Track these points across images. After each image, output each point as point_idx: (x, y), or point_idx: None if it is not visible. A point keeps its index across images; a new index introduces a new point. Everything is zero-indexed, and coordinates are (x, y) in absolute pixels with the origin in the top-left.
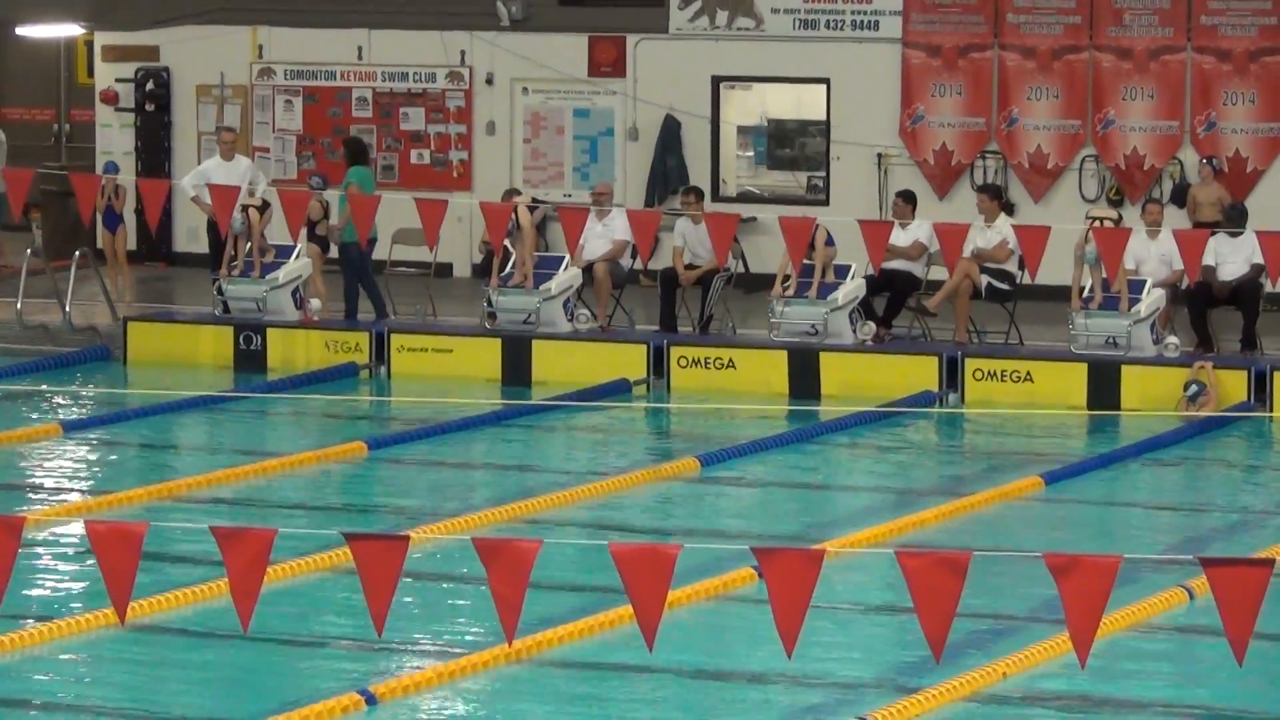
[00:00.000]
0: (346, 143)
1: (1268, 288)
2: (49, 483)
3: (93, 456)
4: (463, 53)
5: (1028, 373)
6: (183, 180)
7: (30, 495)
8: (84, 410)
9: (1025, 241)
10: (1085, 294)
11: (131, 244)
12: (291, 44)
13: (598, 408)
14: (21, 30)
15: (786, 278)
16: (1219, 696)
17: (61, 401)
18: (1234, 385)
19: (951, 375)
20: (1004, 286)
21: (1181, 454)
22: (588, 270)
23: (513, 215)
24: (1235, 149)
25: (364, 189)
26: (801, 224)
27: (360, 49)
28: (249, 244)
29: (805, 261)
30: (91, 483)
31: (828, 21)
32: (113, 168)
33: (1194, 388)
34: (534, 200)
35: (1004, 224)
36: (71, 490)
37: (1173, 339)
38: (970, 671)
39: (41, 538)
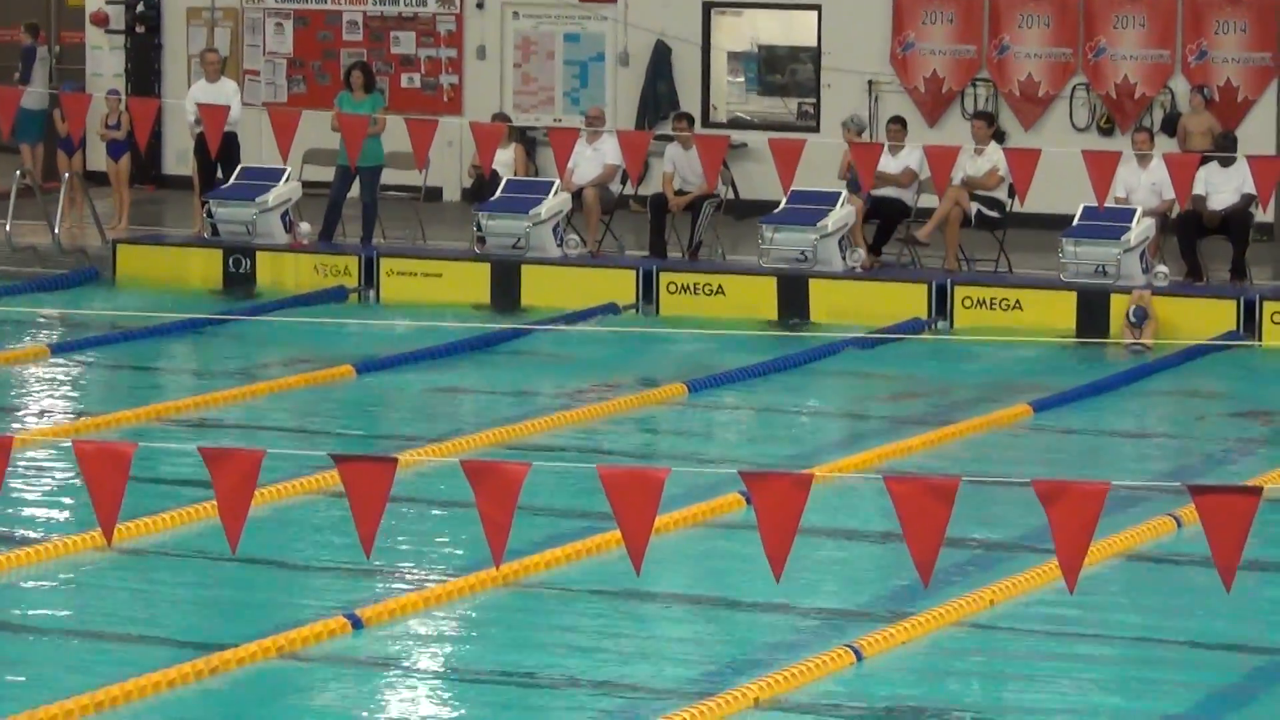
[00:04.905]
0: (363, 68)
1: (1258, 217)
2: (37, 404)
3: (81, 378)
4: None
5: (1017, 301)
6: (186, 112)
7: (18, 417)
8: (72, 332)
9: (1015, 167)
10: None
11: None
12: None
13: (586, 332)
14: None
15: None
16: (1206, 624)
17: (50, 324)
18: (1223, 315)
19: (941, 303)
20: (994, 214)
21: (1170, 383)
22: (577, 195)
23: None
24: (1226, 78)
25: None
26: (790, 145)
27: None
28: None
29: (795, 189)
30: (79, 404)
31: None
32: (70, 86)
33: (1137, 314)
34: (523, 131)
35: (994, 151)
36: (59, 412)
37: (1162, 268)
38: (959, 598)
39: (29, 459)
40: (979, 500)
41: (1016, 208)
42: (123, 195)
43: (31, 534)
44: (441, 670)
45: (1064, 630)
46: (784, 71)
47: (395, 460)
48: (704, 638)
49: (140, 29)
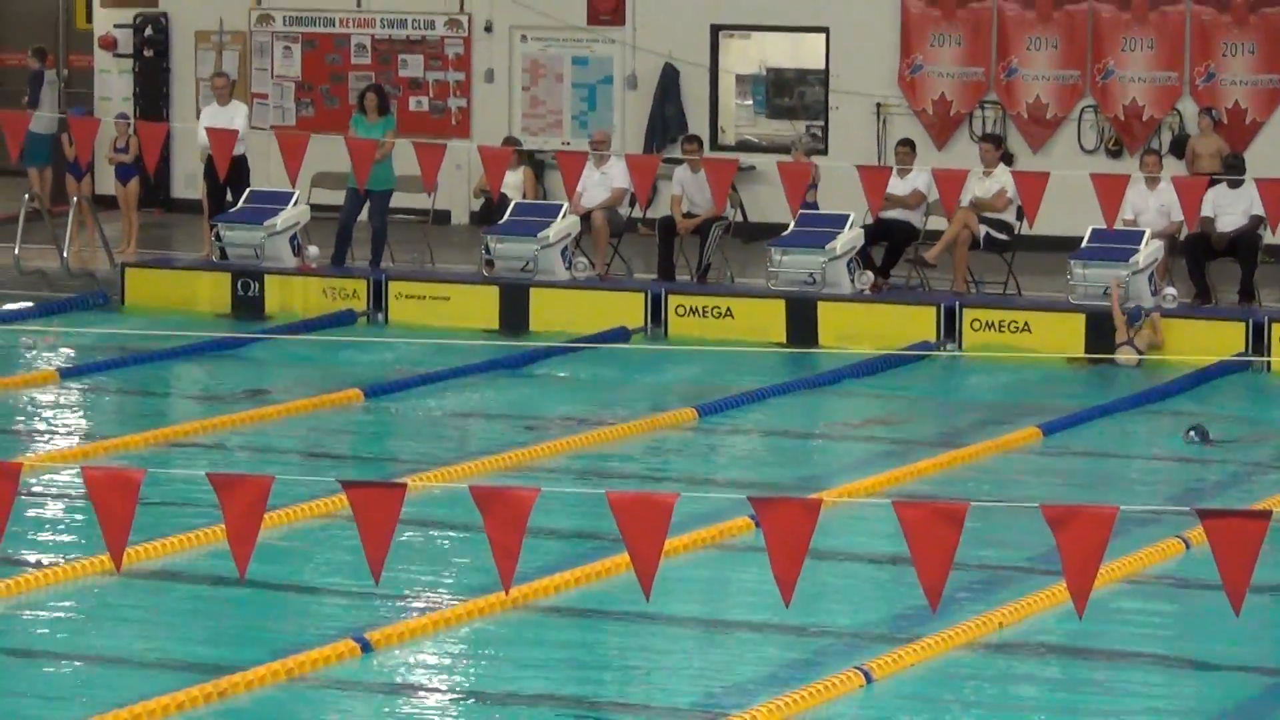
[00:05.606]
0: (377, 90)
1: (1266, 239)
2: (46, 429)
3: (89, 402)
4: (461, 0)
5: (1025, 323)
6: (200, 140)
7: (27, 441)
8: (81, 356)
9: (1024, 189)
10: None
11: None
12: None
13: (595, 356)
14: None
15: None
16: (1215, 648)
17: (59, 347)
18: (1232, 337)
19: (949, 325)
20: (1002, 237)
21: (1179, 405)
22: (586, 218)
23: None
24: (1235, 100)
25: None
26: (799, 168)
27: None
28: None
29: (803, 211)
30: (88, 429)
31: None
32: (78, 110)
33: (1134, 312)
34: (531, 155)
35: (1002, 173)
36: (68, 436)
37: (1171, 290)
38: (967, 621)
39: (38, 484)
40: (988, 524)
41: (1025, 230)
42: (131, 219)
43: (40, 558)
44: (450, 694)
45: (1073, 653)
46: (792, 94)
47: (404, 486)
48: (713, 660)
49: (148, 53)
